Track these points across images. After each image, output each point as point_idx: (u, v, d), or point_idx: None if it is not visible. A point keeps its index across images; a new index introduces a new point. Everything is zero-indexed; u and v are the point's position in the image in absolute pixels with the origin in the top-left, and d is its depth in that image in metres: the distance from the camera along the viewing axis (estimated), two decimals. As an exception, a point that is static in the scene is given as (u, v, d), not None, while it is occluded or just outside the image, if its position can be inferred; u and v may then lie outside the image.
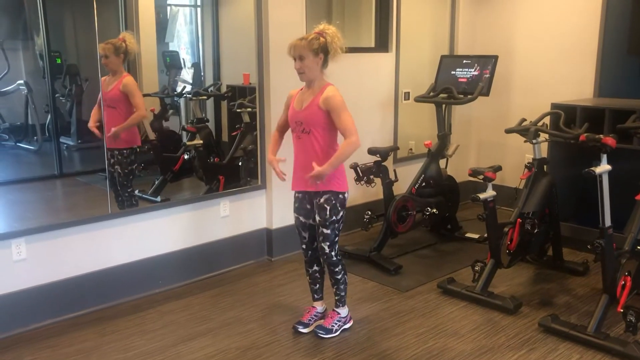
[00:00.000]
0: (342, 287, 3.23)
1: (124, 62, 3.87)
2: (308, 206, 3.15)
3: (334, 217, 3.08)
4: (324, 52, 2.98)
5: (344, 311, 3.28)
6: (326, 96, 2.96)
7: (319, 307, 3.36)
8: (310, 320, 3.31)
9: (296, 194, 3.21)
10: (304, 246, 3.26)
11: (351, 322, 3.33)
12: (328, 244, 3.10)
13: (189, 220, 3.99)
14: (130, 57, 3.91)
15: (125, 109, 3.87)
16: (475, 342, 3.18)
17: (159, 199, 4.10)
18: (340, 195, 3.08)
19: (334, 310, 3.28)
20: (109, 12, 4.17)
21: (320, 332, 3.22)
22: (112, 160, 3.89)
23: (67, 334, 3.29)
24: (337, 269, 3.17)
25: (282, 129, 3.28)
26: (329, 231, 3.09)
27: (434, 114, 4.71)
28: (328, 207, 3.06)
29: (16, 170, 4.04)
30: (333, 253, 3.12)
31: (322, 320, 3.32)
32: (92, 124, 3.84)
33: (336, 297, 3.26)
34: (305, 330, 3.27)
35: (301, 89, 3.13)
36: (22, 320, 3.31)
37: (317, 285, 3.34)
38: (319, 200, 3.07)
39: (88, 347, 3.15)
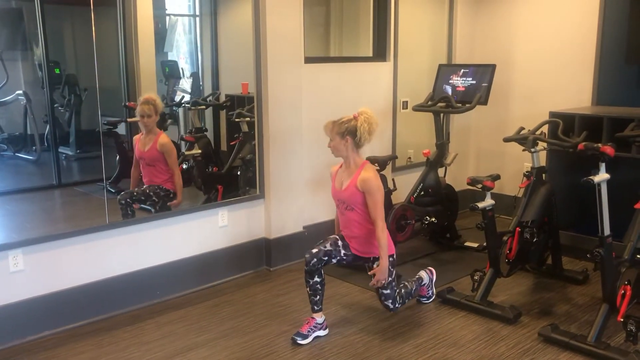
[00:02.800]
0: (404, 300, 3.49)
1: (157, 121, 4.03)
2: (352, 252, 3.34)
3: (390, 278, 3.27)
4: (351, 134, 3.14)
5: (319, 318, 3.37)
6: (363, 178, 3.15)
7: (319, 318, 3.34)
8: (309, 331, 3.29)
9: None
10: (314, 250, 3.26)
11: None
12: (390, 301, 3.35)
13: (187, 230, 3.98)
14: (158, 116, 4.05)
15: (164, 166, 4.04)
16: (475, 352, 3.16)
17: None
18: (390, 259, 3.26)
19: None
20: (108, 22, 4.18)
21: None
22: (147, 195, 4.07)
23: (65, 345, 3.27)
24: (392, 307, 3.40)
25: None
26: (389, 291, 3.32)
27: (432, 123, 4.71)
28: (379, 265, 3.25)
29: (15, 180, 4.03)
30: (397, 306, 3.38)
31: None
32: (133, 187, 4.08)
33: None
34: (303, 342, 3.26)
35: (340, 166, 3.34)
36: (19, 332, 3.29)
37: (318, 297, 3.33)
38: (371, 265, 3.31)
39: (86, 358, 3.13)
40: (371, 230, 3.22)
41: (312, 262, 3.24)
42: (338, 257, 3.31)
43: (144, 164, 4.03)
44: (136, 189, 4.06)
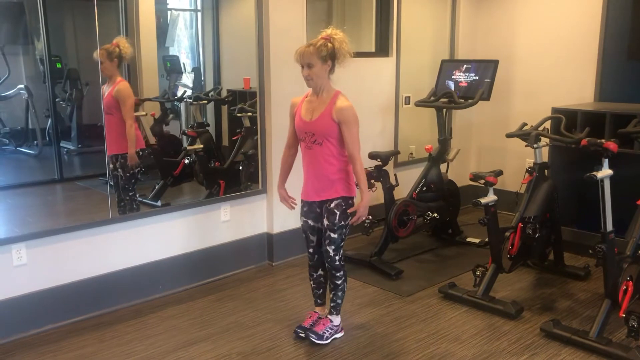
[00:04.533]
0: (339, 294, 3.21)
1: (119, 66, 3.82)
2: (318, 210, 3.14)
3: (342, 222, 3.07)
4: (332, 58, 2.93)
5: (337, 320, 3.26)
6: (340, 107, 2.92)
7: (321, 312, 3.35)
8: (311, 325, 3.29)
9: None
10: (310, 250, 3.25)
11: (342, 333, 3.29)
12: (334, 247, 3.09)
13: (190, 225, 3.98)
14: (124, 61, 3.86)
15: (121, 115, 3.82)
16: (477, 347, 3.17)
17: (159, 203, 4.09)
18: (350, 201, 3.09)
19: (327, 317, 3.26)
20: (110, 16, 4.17)
21: (313, 336, 3.20)
22: (116, 164, 3.88)
23: (68, 339, 3.28)
24: (338, 274, 3.16)
25: (293, 143, 3.19)
26: (335, 235, 3.08)
27: (434, 119, 4.71)
28: (338, 212, 3.06)
29: (16, 174, 4.03)
30: (337, 257, 3.11)
31: (338, 335, 3.30)
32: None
33: (332, 304, 3.24)
34: (321, 342, 3.21)
35: (305, 97, 3.08)
36: (22, 326, 3.30)
37: (321, 290, 3.33)
38: (329, 205, 3.06)
39: (88, 352, 3.14)
40: (341, 168, 3.02)
41: (315, 257, 3.24)
42: (322, 229, 3.13)
43: (105, 113, 3.76)
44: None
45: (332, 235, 3.09)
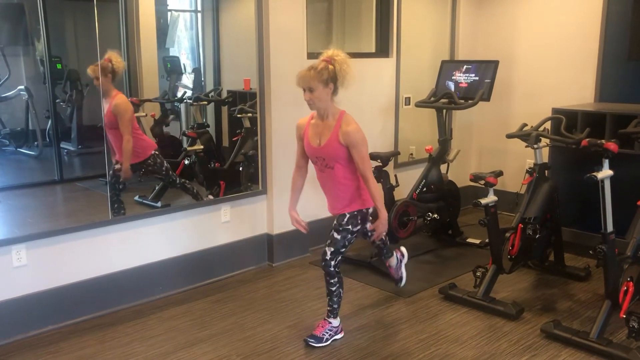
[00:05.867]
0: (335, 299, 3.20)
1: (113, 81, 3.82)
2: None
3: (349, 227, 3.08)
4: (333, 80, 2.89)
5: (335, 321, 3.25)
6: (346, 131, 2.91)
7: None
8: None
9: None
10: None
11: (342, 334, 3.28)
12: (333, 249, 3.08)
13: (190, 226, 3.98)
14: (117, 76, 3.86)
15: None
16: (477, 348, 3.16)
17: (159, 204, 4.08)
18: (364, 210, 3.12)
19: (325, 319, 3.25)
20: (110, 17, 4.17)
21: (311, 340, 3.19)
22: (148, 170, 4.01)
23: (68, 340, 3.27)
24: (332, 281, 3.13)
25: (302, 164, 3.22)
26: (338, 237, 3.08)
27: (434, 119, 4.71)
28: (348, 215, 3.09)
29: (17, 175, 4.03)
30: (333, 262, 3.08)
31: (337, 336, 3.28)
32: (112, 155, 3.91)
33: (328, 308, 3.23)
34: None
35: (311, 118, 3.07)
36: (22, 327, 3.30)
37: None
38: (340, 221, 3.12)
39: (89, 353, 3.13)
40: (355, 186, 3.06)
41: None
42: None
43: (107, 129, 3.81)
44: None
45: (335, 235, 3.09)
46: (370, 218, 3.18)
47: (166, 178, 4.06)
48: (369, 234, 3.23)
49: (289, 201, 3.30)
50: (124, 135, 3.82)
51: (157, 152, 4.03)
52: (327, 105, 2.94)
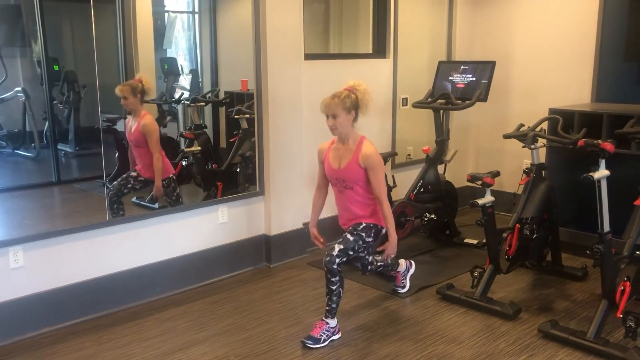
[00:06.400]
0: (334, 298, 3.20)
1: (141, 101, 3.95)
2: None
3: (363, 234, 3.21)
4: (355, 108, 3.10)
5: (332, 322, 3.25)
6: (366, 154, 3.11)
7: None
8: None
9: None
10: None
11: (340, 335, 3.28)
12: (341, 247, 3.14)
13: (187, 227, 3.98)
14: (146, 96, 3.99)
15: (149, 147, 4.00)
16: (475, 348, 3.17)
17: (156, 205, 4.08)
18: (379, 227, 3.25)
19: (323, 320, 3.26)
20: (107, 18, 4.16)
21: (309, 341, 3.19)
22: (138, 179, 4.05)
23: (65, 341, 3.27)
24: (333, 279, 3.15)
25: (323, 184, 3.39)
26: (351, 238, 3.19)
27: (432, 120, 4.71)
28: (364, 224, 3.22)
29: (14, 177, 4.02)
30: (338, 260, 3.11)
31: (335, 336, 3.28)
32: (133, 167, 4.04)
33: (327, 307, 3.24)
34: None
35: (332, 143, 3.26)
36: (19, 329, 3.29)
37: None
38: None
39: (86, 354, 3.13)
40: (372, 207, 3.22)
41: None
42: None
43: (133, 146, 3.98)
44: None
45: (348, 236, 3.20)
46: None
47: (173, 203, 4.07)
48: (377, 255, 3.38)
49: (309, 219, 3.45)
50: (154, 153, 3.94)
51: (174, 177, 4.10)
52: (348, 131, 3.14)
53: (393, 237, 3.22)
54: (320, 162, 3.32)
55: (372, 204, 3.23)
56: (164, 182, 4.02)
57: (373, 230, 3.25)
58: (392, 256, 3.31)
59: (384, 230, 3.27)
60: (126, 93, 3.86)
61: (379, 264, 3.44)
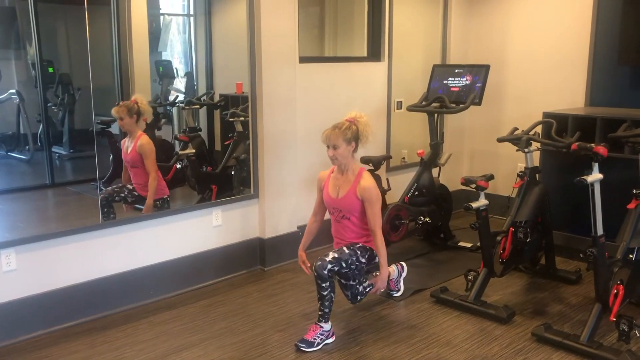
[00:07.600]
0: (326, 303, 3.20)
1: (137, 122, 3.98)
2: None
3: (359, 252, 3.23)
4: (355, 140, 3.15)
5: (326, 325, 3.25)
6: (363, 187, 3.15)
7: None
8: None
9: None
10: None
11: (333, 338, 3.28)
12: (336, 256, 3.15)
13: (181, 230, 3.97)
14: (143, 117, 4.02)
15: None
16: (469, 351, 3.17)
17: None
18: (374, 254, 3.28)
19: (316, 323, 3.25)
20: (102, 21, 4.16)
21: (302, 345, 3.18)
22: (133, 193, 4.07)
23: (58, 345, 3.26)
24: (324, 285, 3.14)
25: (319, 211, 3.44)
26: (347, 251, 3.21)
27: (426, 123, 4.72)
28: (360, 244, 3.26)
29: (8, 179, 4.01)
30: (329, 267, 3.10)
31: (329, 340, 3.28)
32: (126, 183, 4.08)
33: (319, 312, 3.23)
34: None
35: (331, 172, 3.31)
36: (11, 332, 3.28)
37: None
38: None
39: (79, 358, 3.12)
40: (367, 237, 3.27)
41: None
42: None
43: (129, 167, 4.02)
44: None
45: (345, 249, 3.21)
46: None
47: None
48: (366, 283, 3.38)
49: (301, 241, 3.48)
50: (150, 173, 3.97)
51: (167, 198, 4.11)
52: (348, 161, 3.19)
53: (384, 270, 3.26)
54: (319, 190, 3.37)
55: (367, 234, 3.27)
56: (157, 202, 4.02)
57: (368, 253, 3.27)
58: (382, 290, 3.37)
59: (377, 259, 3.29)
60: (122, 114, 3.91)
61: (367, 289, 3.40)
